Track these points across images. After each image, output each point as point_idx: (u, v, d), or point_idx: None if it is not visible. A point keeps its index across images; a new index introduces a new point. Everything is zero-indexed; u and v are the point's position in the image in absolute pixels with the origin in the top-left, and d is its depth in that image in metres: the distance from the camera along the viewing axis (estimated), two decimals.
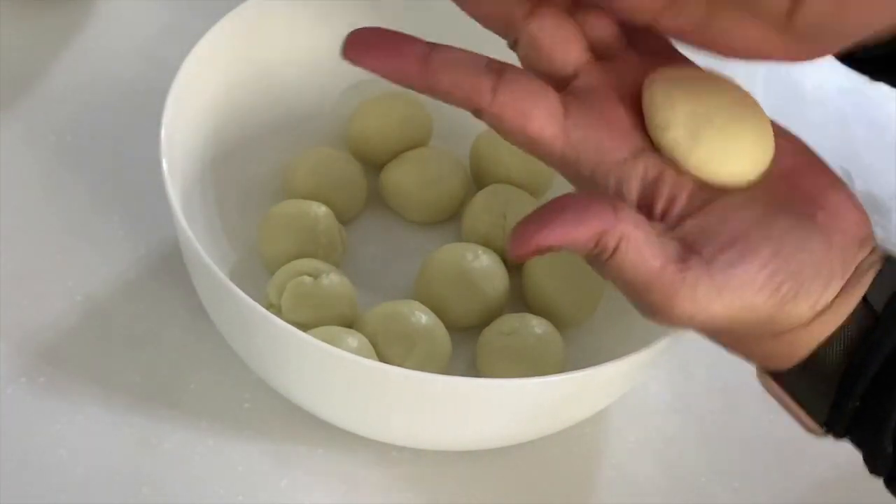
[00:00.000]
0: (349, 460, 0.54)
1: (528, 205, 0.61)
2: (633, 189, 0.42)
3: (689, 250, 0.40)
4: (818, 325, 0.42)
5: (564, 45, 0.43)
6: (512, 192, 0.61)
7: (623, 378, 0.53)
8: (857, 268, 0.42)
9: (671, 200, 0.42)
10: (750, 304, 0.40)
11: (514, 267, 0.60)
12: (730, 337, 0.43)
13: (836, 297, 0.42)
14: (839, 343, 0.42)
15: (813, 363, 0.42)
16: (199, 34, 0.57)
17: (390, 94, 0.63)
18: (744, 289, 0.40)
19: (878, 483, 0.44)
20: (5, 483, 0.51)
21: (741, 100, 0.43)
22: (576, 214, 0.39)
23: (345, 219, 0.61)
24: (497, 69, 0.41)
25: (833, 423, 0.43)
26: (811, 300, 0.41)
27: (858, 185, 0.68)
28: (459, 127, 0.64)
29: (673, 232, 0.41)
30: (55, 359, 0.55)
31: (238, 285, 0.48)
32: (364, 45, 0.41)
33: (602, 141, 0.42)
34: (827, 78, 0.75)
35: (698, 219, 0.41)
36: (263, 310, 0.48)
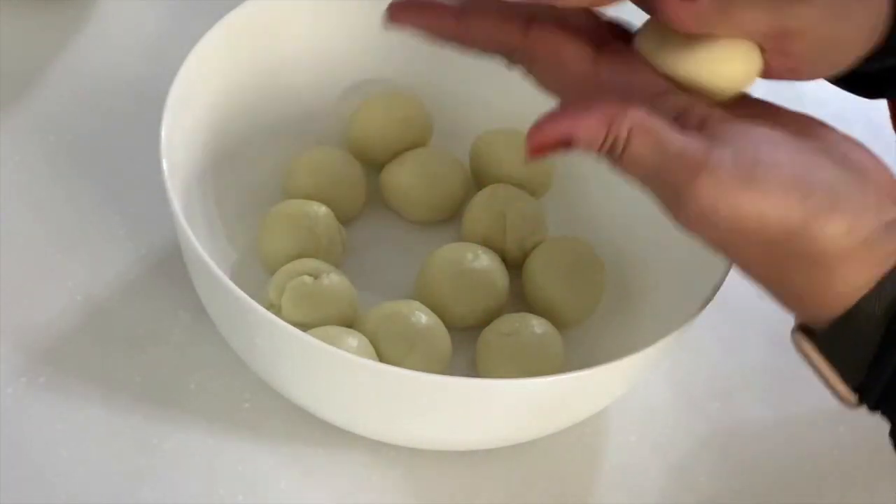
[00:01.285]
0: (349, 460, 0.54)
1: (528, 205, 0.61)
2: (664, 115, 0.42)
3: (714, 141, 0.40)
4: (857, 260, 0.40)
5: (573, 52, 0.45)
6: (512, 192, 0.61)
7: (623, 378, 0.53)
8: (892, 221, 0.41)
9: (703, 121, 0.42)
10: (779, 201, 0.39)
11: (514, 267, 0.60)
12: (763, 253, 0.41)
13: (876, 235, 0.40)
14: (880, 297, 0.40)
15: (852, 318, 0.41)
16: (199, 34, 0.57)
17: (390, 94, 0.64)
18: (771, 183, 0.39)
19: (878, 483, 0.44)
20: (5, 483, 0.51)
21: None
22: (584, 104, 0.41)
23: (345, 219, 0.61)
24: (529, 13, 0.44)
25: (868, 387, 0.42)
26: (846, 220, 0.40)
27: None
28: (459, 127, 0.65)
29: (699, 133, 0.41)
30: (55, 359, 0.55)
31: (238, 285, 0.48)
32: (405, 9, 0.44)
33: (632, 79, 0.44)
34: None
35: (727, 127, 0.41)
36: (263, 310, 0.48)
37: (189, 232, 0.49)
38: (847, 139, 0.43)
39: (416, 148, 0.63)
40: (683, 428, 0.58)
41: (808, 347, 0.43)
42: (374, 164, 0.63)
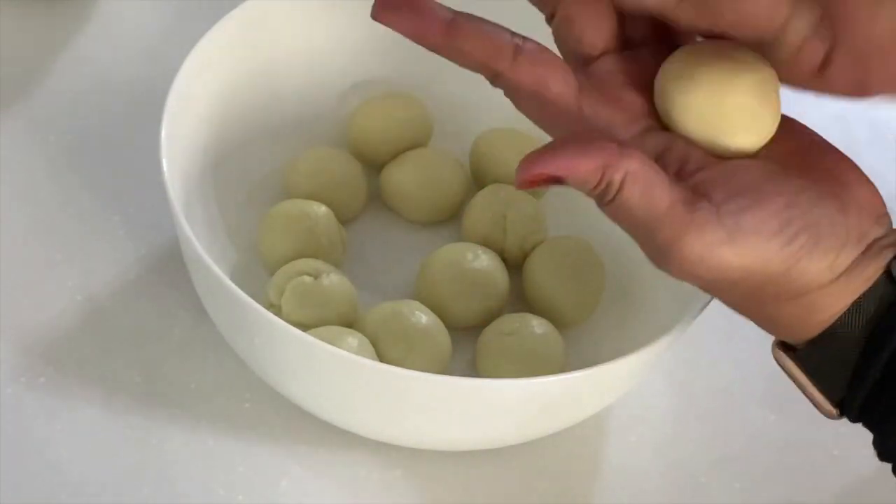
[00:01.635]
0: (349, 460, 0.54)
1: (528, 205, 0.61)
2: None
3: (699, 195, 0.40)
4: (838, 290, 0.41)
5: (597, 25, 0.44)
6: (512, 192, 0.61)
7: (623, 378, 0.53)
8: (873, 243, 0.41)
9: (682, 164, 0.42)
10: (763, 253, 0.40)
11: (514, 267, 0.60)
12: (744, 296, 0.42)
13: (855, 264, 0.41)
14: (860, 314, 0.41)
15: (830, 336, 0.42)
16: (199, 34, 0.57)
17: (390, 94, 0.64)
18: (756, 235, 0.39)
19: (878, 482, 0.44)
20: (5, 483, 0.51)
21: (749, 67, 0.42)
22: (581, 146, 0.40)
23: (345, 219, 0.61)
24: (518, 40, 0.42)
25: (848, 402, 0.43)
26: (828, 258, 0.40)
27: None
28: (459, 127, 0.65)
29: (683, 183, 0.41)
30: (55, 359, 0.55)
31: (238, 285, 0.48)
32: (392, 6, 0.42)
33: (613, 118, 0.43)
34: None
35: (710, 172, 0.41)
36: (263, 310, 0.48)
37: (189, 232, 0.49)
38: (830, 151, 0.44)
39: (416, 148, 0.63)
40: (683, 428, 0.58)
41: (789, 363, 0.44)
42: (374, 164, 0.63)
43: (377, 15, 0.42)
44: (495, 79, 0.42)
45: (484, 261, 0.58)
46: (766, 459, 0.58)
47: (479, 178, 0.64)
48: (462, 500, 0.54)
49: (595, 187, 0.40)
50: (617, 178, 0.39)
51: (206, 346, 0.56)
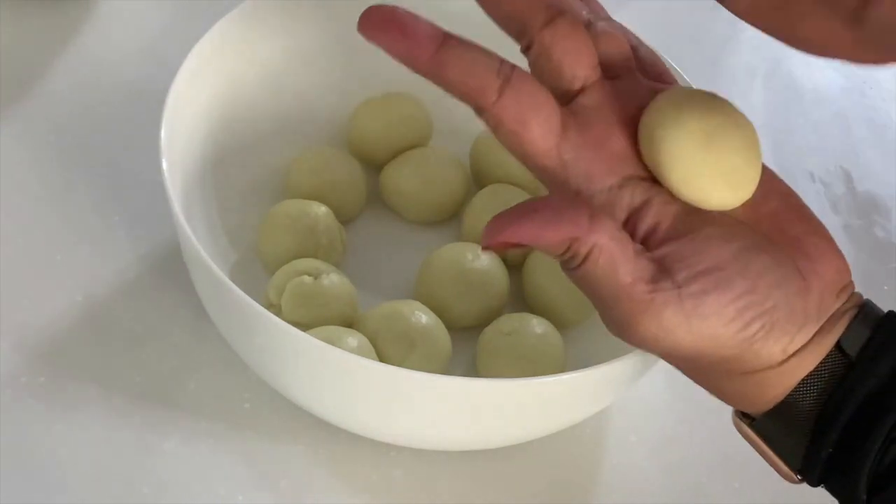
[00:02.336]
0: (349, 460, 0.54)
1: None
2: (618, 213, 0.42)
3: (663, 273, 0.40)
4: (790, 368, 0.42)
5: (575, 58, 0.43)
6: (512, 192, 0.61)
7: (623, 378, 0.53)
8: (833, 314, 0.42)
9: (655, 225, 0.42)
10: (717, 337, 0.40)
11: (514, 267, 0.60)
12: (696, 369, 0.43)
13: (811, 341, 0.41)
14: (812, 388, 0.42)
15: (786, 408, 0.42)
16: (199, 34, 0.57)
17: (390, 94, 0.64)
18: (712, 319, 0.40)
19: None
20: (5, 483, 0.51)
21: (735, 123, 0.43)
22: (551, 215, 0.39)
23: (345, 219, 0.61)
24: (507, 72, 0.41)
25: (808, 469, 0.43)
26: (783, 342, 0.41)
27: (858, 185, 0.68)
28: (459, 127, 0.65)
29: (651, 254, 0.41)
30: (55, 359, 0.55)
31: (238, 285, 0.48)
32: (379, 23, 0.40)
33: (592, 167, 0.42)
34: (827, 78, 0.75)
35: (678, 245, 0.41)
36: (263, 310, 0.48)
37: (189, 232, 0.49)
38: (804, 218, 0.43)
39: (416, 148, 0.63)
40: (683, 428, 0.58)
41: (749, 431, 0.45)
42: (374, 164, 0.63)
43: (362, 28, 0.40)
44: (479, 113, 0.42)
45: (484, 261, 0.58)
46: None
47: (479, 178, 0.64)
48: (462, 500, 0.54)
49: (561, 255, 0.40)
50: (583, 251, 0.39)
51: (206, 345, 0.56)
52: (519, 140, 0.42)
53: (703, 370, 0.43)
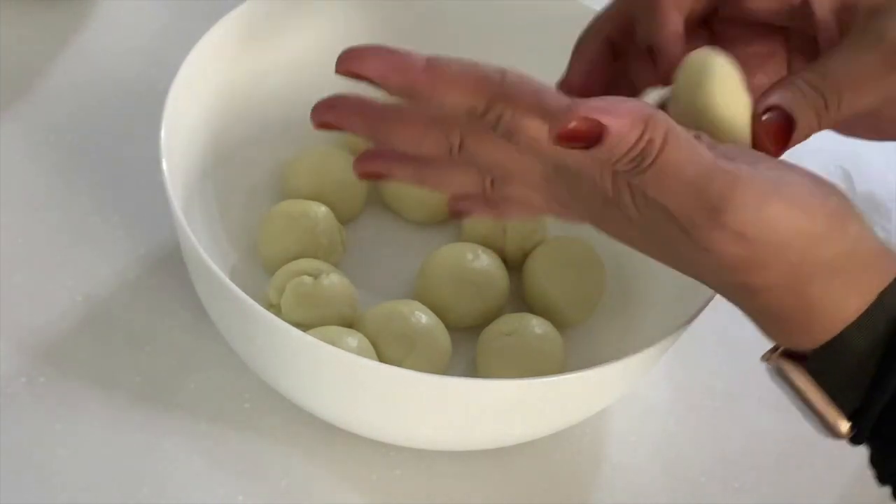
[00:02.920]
0: (349, 460, 0.54)
1: None
2: None
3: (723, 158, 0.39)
4: (855, 282, 0.39)
5: None
6: None
7: (623, 378, 0.53)
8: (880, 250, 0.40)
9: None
10: (807, 210, 0.38)
11: (514, 267, 0.60)
12: (785, 271, 0.39)
13: (870, 265, 0.40)
14: (883, 312, 0.39)
15: (844, 341, 0.40)
16: (199, 34, 0.57)
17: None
18: (796, 190, 0.38)
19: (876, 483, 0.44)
20: (5, 483, 0.51)
21: None
22: (619, 102, 0.37)
23: (345, 219, 0.61)
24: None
25: (862, 414, 0.40)
26: (859, 223, 0.39)
27: (858, 186, 0.68)
28: None
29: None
30: (55, 359, 0.55)
31: (238, 285, 0.48)
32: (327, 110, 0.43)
33: None
34: None
35: (722, 147, 0.40)
36: (263, 310, 0.48)
37: (189, 232, 0.49)
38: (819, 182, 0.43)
39: None
40: (683, 428, 0.58)
41: (796, 373, 0.42)
42: None
43: (316, 118, 0.43)
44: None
45: (484, 261, 0.58)
46: (766, 459, 0.58)
47: None
48: (462, 500, 0.54)
49: (635, 144, 0.37)
50: (659, 133, 0.37)
51: (206, 345, 0.56)
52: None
53: (792, 272, 0.39)
